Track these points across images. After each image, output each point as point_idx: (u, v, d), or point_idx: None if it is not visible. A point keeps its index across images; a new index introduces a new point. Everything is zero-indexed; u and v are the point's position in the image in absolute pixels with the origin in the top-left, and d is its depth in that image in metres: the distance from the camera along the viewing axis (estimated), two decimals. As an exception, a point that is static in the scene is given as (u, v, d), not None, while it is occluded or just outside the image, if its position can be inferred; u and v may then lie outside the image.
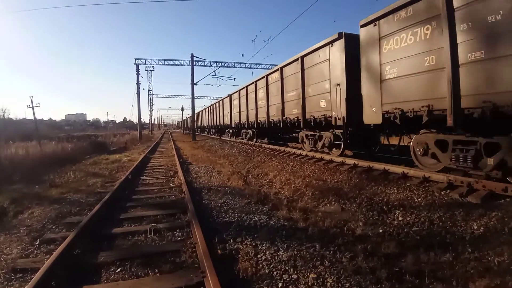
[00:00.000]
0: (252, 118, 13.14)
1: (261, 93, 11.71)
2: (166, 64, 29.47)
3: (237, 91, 15.85)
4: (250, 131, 14.66)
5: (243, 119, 14.78)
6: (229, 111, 17.96)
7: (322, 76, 7.23)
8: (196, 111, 30.05)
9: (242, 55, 53.20)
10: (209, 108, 27.18)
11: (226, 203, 4.43)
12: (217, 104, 22.67)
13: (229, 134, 19.97)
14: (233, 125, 17.41)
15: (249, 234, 3.14)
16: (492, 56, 3.61)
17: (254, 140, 14.03)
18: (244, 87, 14.46)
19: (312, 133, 8.47)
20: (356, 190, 4.61)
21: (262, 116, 11.75)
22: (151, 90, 42.93)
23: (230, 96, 17.73)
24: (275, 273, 2.36)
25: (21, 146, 11.84)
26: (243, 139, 16.10)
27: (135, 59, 27.46)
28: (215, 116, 23.89)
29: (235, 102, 16.36)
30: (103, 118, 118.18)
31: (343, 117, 6.46)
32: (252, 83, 12.85)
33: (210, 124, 27.02)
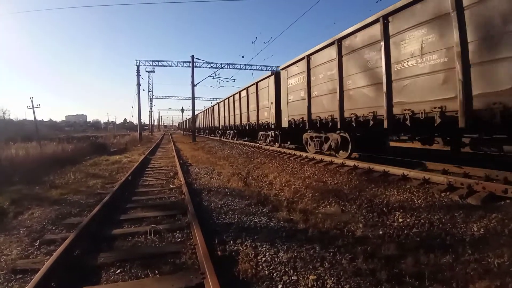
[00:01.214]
0: (352, 109, 6.29)
1: (421, 41, 4.64)
2: (166, 66, 29.49)
3: (299, 60, 8.49)
4: (336, 137, 7.43)
5: (319, 112, 7.58)
6: (273, 101, 10.55)
7: None
8: (196, 112, 30.03)
9: (243, 57, 53.32)
10: (225, 102, 19.47)
11: (226, 204, 4.43)
12: (243, 93, 14.66)
13: (268, 139, 12.34)
14: (283, 125, 9.87)
15: (249, 236, 3.13)
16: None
17: (347, 154, 7.19)
18: (322, 48, 7.27)
19: None
20: (356, 191, 4.61)
21: (414, 99, 4.82)
22: (152, 91, 43.12)
23: (277, 73, 10.29)
24: (275, 274, 2.36)
25: (21, 147, 11.85)
26: (306, 151, 9.02)
27: (136, 60, 27.56)
28: (235, 113, 16.31)
29: (293, 82, 8.97)
30: (103, 119, 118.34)
31: None
32: (358, 29, 5.98)
33: (226, 124, 19.28)
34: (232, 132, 18.87)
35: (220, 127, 21.87)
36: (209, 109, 28.16)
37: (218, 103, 22.64)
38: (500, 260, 2.33)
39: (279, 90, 10.15)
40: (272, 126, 11.05)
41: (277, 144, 11.69)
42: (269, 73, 11.21)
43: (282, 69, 9.88)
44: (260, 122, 12.40)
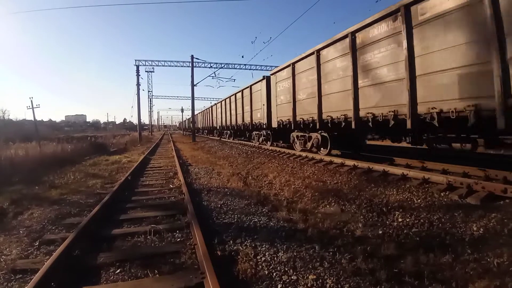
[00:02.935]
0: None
1: None
2: (166, 65, 29.46)
3: None
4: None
5: None
6: None
7: None
8: (196, 112, 29.98)
9: (242, 57, 53.40)
10: (278, 75, 10.22)
11: (225, 204, 4.43)
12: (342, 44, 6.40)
13: None
14: None
15: (249, 235, 3.14)
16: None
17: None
18: None
19: None
20: (355, 191, 4.61)
21: None
22: (151, 91, 43.14)
23: None
24: (274, 274, 2.36)
25: (21, 147, 11.83)
26: None
27: (135, 60, 27.55)
28: (323, 92, 7.26)
29: None
30: (103, 119, 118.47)
31: None
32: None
33: (286, 117, 9.60)
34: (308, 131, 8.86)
35: (265, 123, 11.96)
36: (230, 98, 18.10)
37: (250, 86, 13.51)
38: (500, 260, 2.33)
39: None
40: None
41: None
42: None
43: None
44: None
